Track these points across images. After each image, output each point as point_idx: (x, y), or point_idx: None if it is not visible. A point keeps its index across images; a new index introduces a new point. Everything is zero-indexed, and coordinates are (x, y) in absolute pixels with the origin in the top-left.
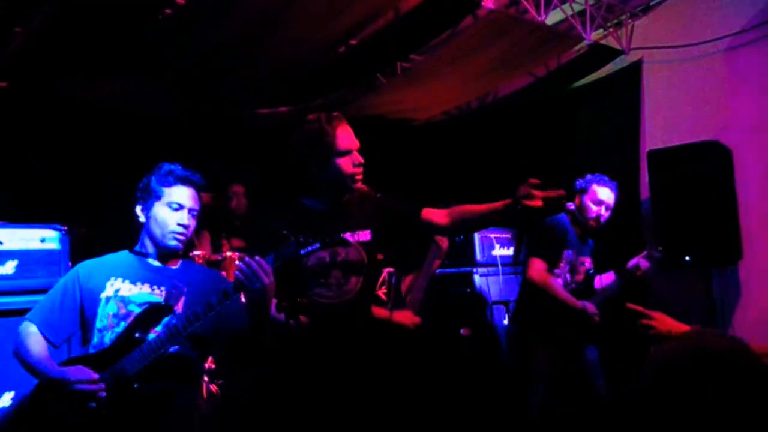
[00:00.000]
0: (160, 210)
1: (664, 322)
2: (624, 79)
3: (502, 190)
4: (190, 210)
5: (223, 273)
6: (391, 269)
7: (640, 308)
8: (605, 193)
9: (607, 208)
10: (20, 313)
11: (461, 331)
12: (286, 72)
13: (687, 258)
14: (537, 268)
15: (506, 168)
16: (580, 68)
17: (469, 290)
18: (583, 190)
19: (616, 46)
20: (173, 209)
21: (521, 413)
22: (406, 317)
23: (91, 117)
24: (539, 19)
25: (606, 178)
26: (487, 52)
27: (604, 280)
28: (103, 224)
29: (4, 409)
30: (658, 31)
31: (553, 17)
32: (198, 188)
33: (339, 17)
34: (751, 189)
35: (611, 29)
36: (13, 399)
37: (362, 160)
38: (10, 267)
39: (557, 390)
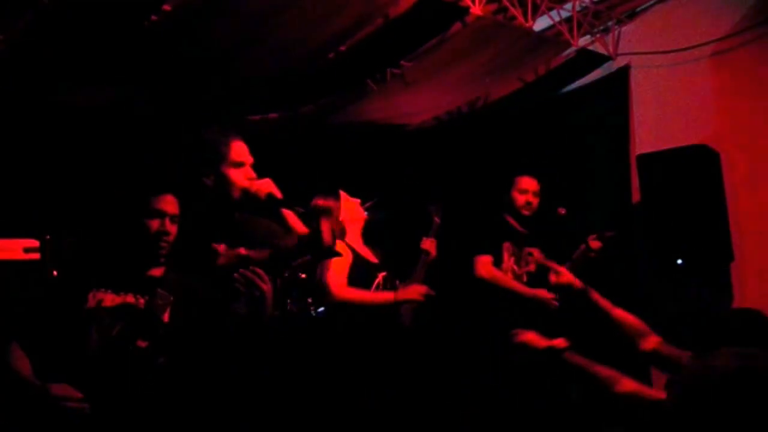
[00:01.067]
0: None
1: (566, 276)
2: (612, 84)
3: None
4: (171, 217)
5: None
6: (384, 273)
7: (549, 263)
8: (526, 181)
9: (534, 194)
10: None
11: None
12: (276, 78)
13: (679, 261)
14: (484, 262)
15: (497, 173)
16: (568, 74)
17: None
18: (511, 184)
19: (604, 51)
20: (155, 217)
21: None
22: (411, 292)
23: (75, 123)
24: (527, 25)
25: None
26: (476, 57)
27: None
28: (89, 233)
29: None
30: (645, 37)
31: (540, 23)
32: (176, 194)
33: (328, 23)
34: (740, 192)
35: (598, 35)
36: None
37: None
38: None
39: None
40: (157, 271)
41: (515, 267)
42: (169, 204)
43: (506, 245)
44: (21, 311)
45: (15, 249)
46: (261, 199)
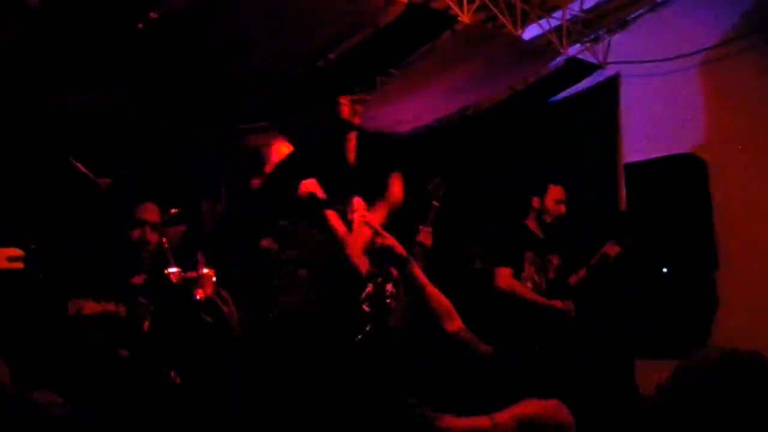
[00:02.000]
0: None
1: (389, 239)
2: (602, 93)
3: (482, 201)
4: (152, 225)
5: (199, 291)
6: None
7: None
8: (560, 191)
9: (564, 203)
10: None
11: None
12: (265, 86)
13: (664, 269)
14: (503, 275)
15: (486, 181)
16: (558, 82)
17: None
18: (542, 191)
19: (594, 60)
20: (136, 226)
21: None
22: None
23: (61, 131)
24: (516, 33)
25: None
26: (466, 66)
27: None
28: (71, 242)
29: None
30: (635, 46)
31: (531, 32)
32: (156, 202)
33: (317, 32)
34: (726, 201)
35: (588, 44)
36: None
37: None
38: None
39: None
40: (138, 279)
41: (535, 276)
42: (150, 213)
43: (528, 254)
44: (2, 319)
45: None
46: (303, 199)
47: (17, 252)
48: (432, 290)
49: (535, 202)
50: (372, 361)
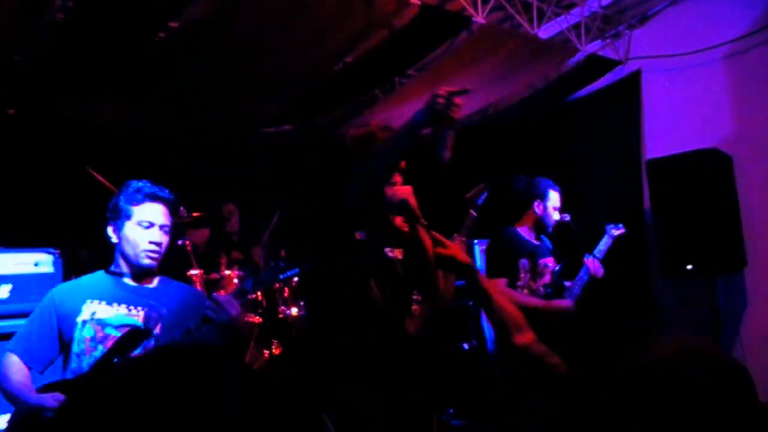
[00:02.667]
0: (131, 229)
1: (453, 248)
2: (623, 89)
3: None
4: (161, 227)
5: (222, 292)
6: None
7: (437, 235)
8: (558, 197)
9: (560, 211)
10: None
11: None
12: (284, 92)
13: (689, 267)
14: (497, 286)
15: (508, 178)
16: (578, 80)
17: (471, 303)
18: (541, 197)
19: (614, 56)
20: (144, 227)
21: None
22: None
23: (89, 138)
24: (533, 32)
25: (551, 181)
26: (484, 66)
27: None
28: (102, 246)
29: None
30: (656, 41)
31: (548, 30)
32: (168, 204)
33: (332, 35)
34: (753, 196)
35: (609, 40)
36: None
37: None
38: (4, 291)
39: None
40: (149, 282)
41: (531, 282)
42: (161, 215)
43: (521, 261)
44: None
45: (27, 262)
46: (395, 204)
47: (45, 257)
48: (500, 299)
49: (538, 207)
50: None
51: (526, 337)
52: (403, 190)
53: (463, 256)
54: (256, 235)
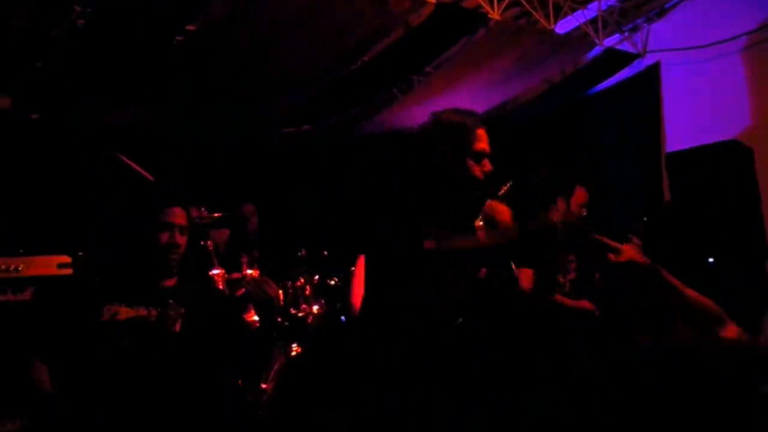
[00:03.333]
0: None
1: (628, 252)
2: (642, 82)
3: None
4: (180, 228)
5: (242, 291)
6: None
7: (606, 240)
8: (584, 194)
9: (586, 207)
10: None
11: None
12: (302, 91)
13: (710, 259)
14: (525, 275)
15: (527, 173)
16: (595, 73)
17: None
18: (569, 193)
19: (632, 50)
20: (164, 230)
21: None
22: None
23: (106, 142)
24: (549, 27)
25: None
26: (501, 61)
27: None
28: (118, 250)
29: None
30: (674, 33)
31: (565, 25)
32: (185, 206)
33: (348, 34)
34: None
35: (626, 34)
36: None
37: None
38: (28, 294)
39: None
40: (169, 283)
41: (560, 279)
42: (178, 216)
43: (554, 256)
44: (48, 323)
45: (50, 265)
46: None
47: (66, 259)
48: (692, 293)
49: (560, 203)
50: None
51: (730, 330)
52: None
53: (640, 257)
54: (275, 235)
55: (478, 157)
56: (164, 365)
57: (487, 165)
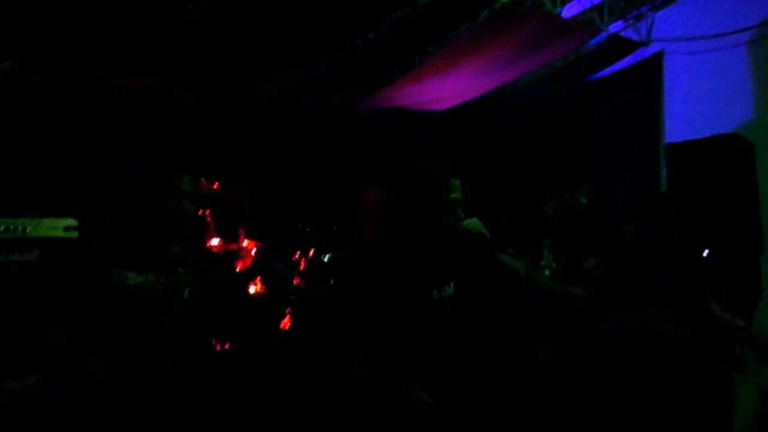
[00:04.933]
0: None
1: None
2: (645, 71)
3: (521, 179)
4: (189, 195)
5: (240, 263)
6: None
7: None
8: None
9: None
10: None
11: None
12: (306, 66)
13: (705, 252)
14: (524, 263)
15: (524, 157)
16: (598, 60)
17: None
18: (574, 185)
19: (636, 38)
20: (173, 197)
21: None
22: None
23: (115, 109)
24: (555, 11)
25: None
26: (504, 44)
27: None
28: (126, 215)
29: (26, 389)
30: (679, 23)
31: (570, 11)
32: (195, 176)
33: (355, 10)
34: None
35: (631, 21)
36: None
37: None
38: (34, 255)
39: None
40: (176, 250)
41: (553, 264)
42: (186, 184)
43: (547, 242)
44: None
45: (57, 227)
46: None
47: (73, 223)
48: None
49: (567, 193)
50: None
51: None
52: None
53: None
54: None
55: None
56: (175, 333)
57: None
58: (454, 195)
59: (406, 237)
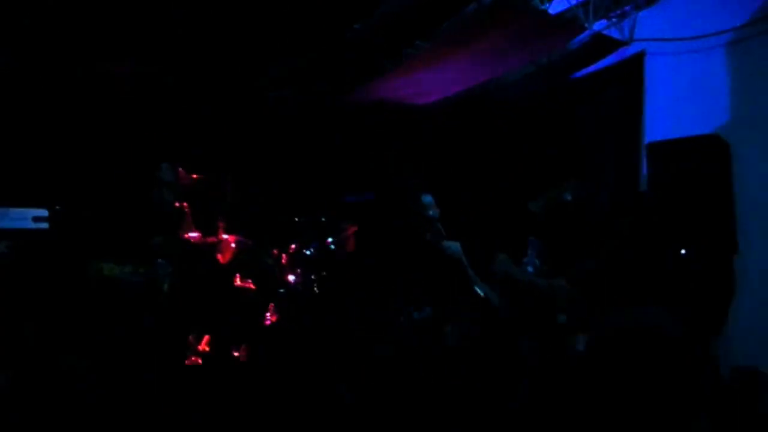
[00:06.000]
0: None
1: None
2: (626, 70)
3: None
4: (169, 185)
5: (219, 256)
6: None
7: None
8: (576, 187)
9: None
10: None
11: None
12: (293, 57)
13: (683, 251)
14: (499, 261)
15: (508, 153)
16: (582, 58)
17: None
18: (559, 184)
19: (619, 36)
20: (153, 187)
21: (507, 405)
22: None
23: (91, 96)
24: (542, 7)
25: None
26: (490, 39)
27: None
28: (98, 205)
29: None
30: (661, 23)
31: (556, 7)
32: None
33: (343, 2)
34: (748, 184)
35: (615, 20)
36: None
37: None
38: (3, 246)
39: (543, 381)
40: (158, 241)
41: (536, 261)
42: (166, 173)
43: (530, 239)
44: (27, 278)
45: (25, 218)
46: None
47: (42, 213)
48: None
49: (551, 191)
50: None
51: None
52: None
53: None
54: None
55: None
56: (158, 323)
57: None
58: (430, 212)
59: (386, 254)
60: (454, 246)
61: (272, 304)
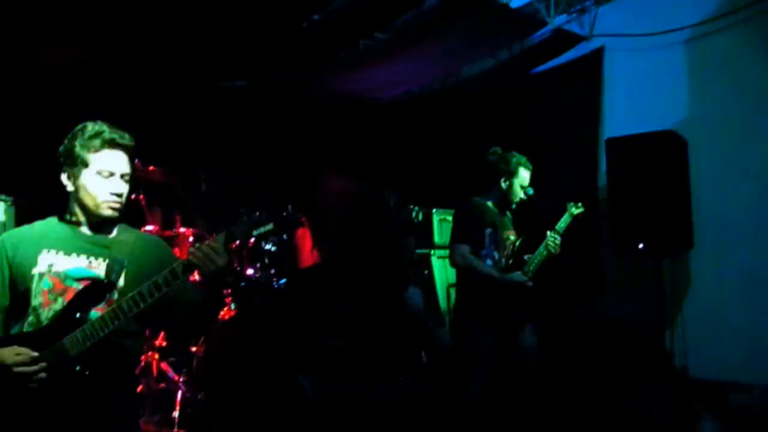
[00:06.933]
0: (89, 179)
1: None
2: (586, 65)
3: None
4: (122, 176)
5: (176, 250)
6: None
7: None
8: (527, 176)
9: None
10: None
11: None
12: (249, 47)
13: (640, 246)
14: (460, 252)
15: (466, 148)
16: (542, 53)
17: (426, 272)
18: (511, 174)
19: (580, 31)
20: (104, 177)
21: (465, 396)
22: None
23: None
24: (503, 1)
25: (525, 158)
26: (450, 33)
27: None
28: (58, 196)
29: None
30: (621, 19)
31: (518, 1)
32: (128, 151)
33: None
34: (704, 179)
35: (575, 15)
36: None
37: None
38: None
39: (499, 372)
40: (109, 234)
41: (495, 254)
42: (122, 163)
43: (487, 231)
44: None
45: None
46: None
47: None
48: None
49: (505, 183)
50: None
51: None
52: None
53: None
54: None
55: None
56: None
57: None
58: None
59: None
60: (416, 297)
61: (229, 298)
